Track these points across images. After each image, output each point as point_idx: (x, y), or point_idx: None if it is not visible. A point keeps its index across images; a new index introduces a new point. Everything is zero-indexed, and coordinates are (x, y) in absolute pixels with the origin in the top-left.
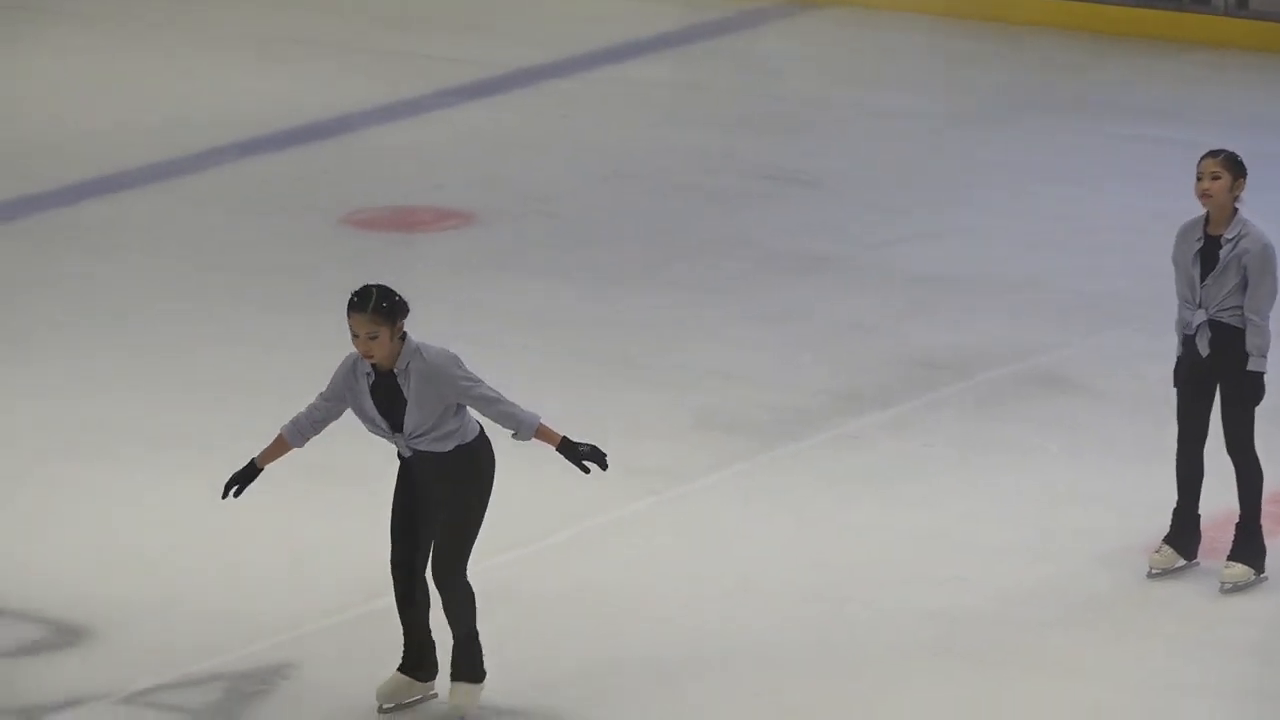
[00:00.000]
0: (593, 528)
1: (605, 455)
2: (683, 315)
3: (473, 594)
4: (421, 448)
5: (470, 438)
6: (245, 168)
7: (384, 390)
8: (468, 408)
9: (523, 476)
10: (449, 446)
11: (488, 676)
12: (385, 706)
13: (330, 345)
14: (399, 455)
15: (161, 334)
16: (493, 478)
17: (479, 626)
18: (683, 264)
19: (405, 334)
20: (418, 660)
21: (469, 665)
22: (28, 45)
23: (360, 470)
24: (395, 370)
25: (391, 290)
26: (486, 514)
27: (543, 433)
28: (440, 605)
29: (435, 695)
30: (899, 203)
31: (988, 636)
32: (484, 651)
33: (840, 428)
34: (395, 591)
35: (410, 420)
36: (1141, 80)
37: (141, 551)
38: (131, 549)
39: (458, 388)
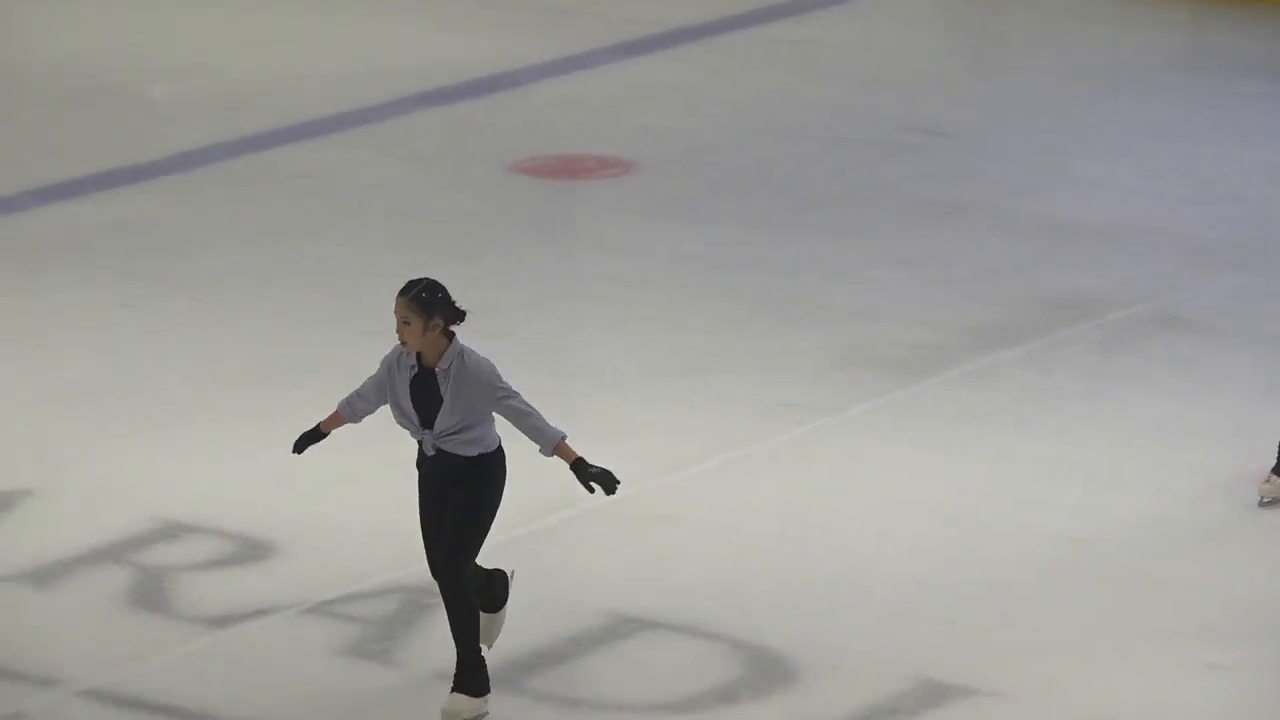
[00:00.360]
0: (744, 456)
1: (617, 482)
2: (828, 258)
3: (474, 602)
4: (447, 448)
5: (492, 447)
6: (422, 118)
7: (423, 386)
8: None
9: (676, 407)
10: (473, 452)
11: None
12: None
13: (494, 286)
14: (419, 458)
15: (341, 273)
16: (503, 487)
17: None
18: (828, 211)
19: (453, 335)
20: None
21: (472, 677)
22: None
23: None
24: (437, 369)
25: (439, 288)
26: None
27: (561, 450)
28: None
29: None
30: (1029, 154)
31: (1110, 558)
32: (639, 578)
33: (973, 363)
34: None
35: (442, 420)
36: (1262, 39)
37: (320, 474)
38: (311, 472)
39: (494, 397)
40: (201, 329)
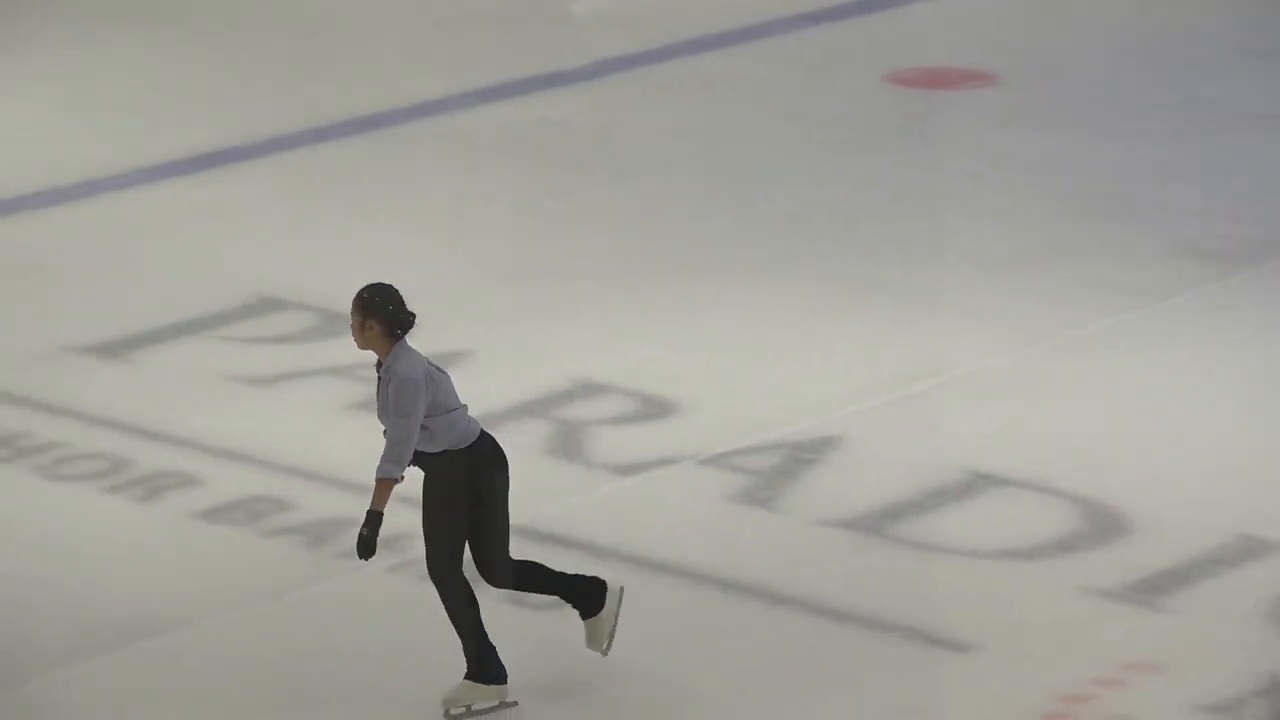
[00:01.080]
0: (1086, 334)
1: (361, 554)
2: (1162, 162)
3: (468, 592)
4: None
5: (459, 445)
6: (812, 33)
7: (378, 384)
8: (456, 414)
9: (1028, 290)
10: (435, 449)
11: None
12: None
13: (867, 184)
14: None
15: (738, 168)
16: (494, 479)
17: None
18: (1167, 120)
19: (399, 339)
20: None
21: (475, 666)
22: None
23: (885, 281)
24: (381, 370)
25: (383, 292)
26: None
27: (378, 486)
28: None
29: (515, 703)
30: None
31: None
32: (992, 440)
33: None
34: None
35: (382, 418)
36: None
37: (722, 340)
38: (711, 338)
39: (390, 404)
40: (616, 217)
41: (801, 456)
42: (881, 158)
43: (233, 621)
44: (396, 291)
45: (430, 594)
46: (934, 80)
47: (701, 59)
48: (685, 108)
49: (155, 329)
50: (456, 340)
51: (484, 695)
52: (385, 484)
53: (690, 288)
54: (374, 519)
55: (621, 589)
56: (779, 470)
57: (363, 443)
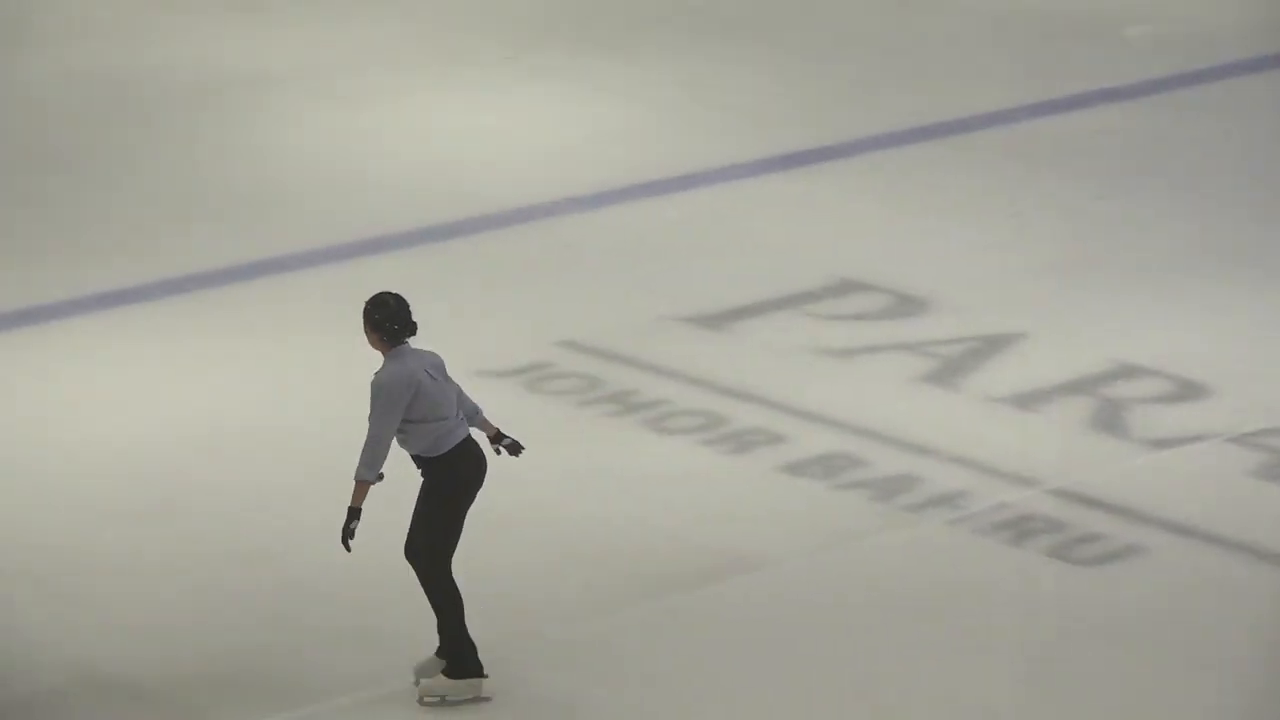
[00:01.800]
0: None
1: (343, 539)
2: None
3: (453, 590)
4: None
5: (431, 453)
6: (1249, 82)
7: None
8: (437, 424)
9: None
10: (412, 451)
11: None
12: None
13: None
14: None
15: (1274, 179)
16: (452, 495)
17: None
18: None
19: (393, 350)
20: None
21: (447, 658)
22: None
23: None
24: None
25: (380, 308)
26: None
27: (355, 489)
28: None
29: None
30: None
31: None
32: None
33: None
34: None
35: None
36: None
37: (1252, 333)
38: (1238, 330)
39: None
40: (1157, 218)
41: None
42: None
43: (808, 566)
44: (394, 303)
45: (989, 548)
46: None
47: (1238, 81)
48: (1221, 123)
49: (750, 304)
50: (1012, 324)
51: (459, 690)
52: (360, 485)
53: (1223, 283)
54: (351, 514)
55: (481, 683)
56: None
57: (929, 410)
